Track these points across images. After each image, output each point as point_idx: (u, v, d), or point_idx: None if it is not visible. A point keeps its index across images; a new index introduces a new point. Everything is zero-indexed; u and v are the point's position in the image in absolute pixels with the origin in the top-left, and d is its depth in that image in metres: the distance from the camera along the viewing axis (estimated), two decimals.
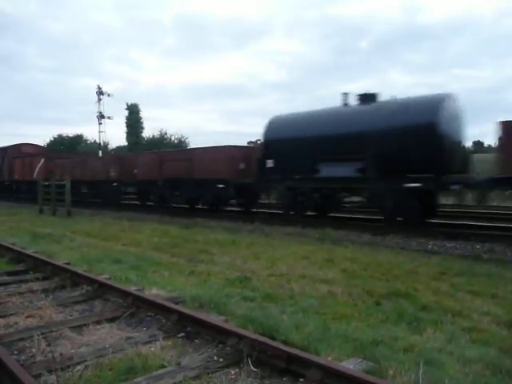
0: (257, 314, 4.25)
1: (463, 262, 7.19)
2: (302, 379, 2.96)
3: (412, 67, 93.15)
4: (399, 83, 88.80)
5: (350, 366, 3.02)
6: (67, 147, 48.22)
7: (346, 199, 13.66)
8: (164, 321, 4.18)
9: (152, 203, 19.34)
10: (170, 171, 17.30)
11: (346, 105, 13.15)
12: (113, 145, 50.12)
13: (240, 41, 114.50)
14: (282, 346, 3.22)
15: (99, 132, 40.21)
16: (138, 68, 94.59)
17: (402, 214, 11.19)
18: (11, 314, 4.46)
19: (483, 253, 8.23)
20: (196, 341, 3.73)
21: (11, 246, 8.19)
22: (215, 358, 3.33)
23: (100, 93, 39.43)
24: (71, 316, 4.50)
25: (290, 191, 13.51)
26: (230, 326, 3.74)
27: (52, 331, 3.92)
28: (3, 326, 4.13)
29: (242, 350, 3.27)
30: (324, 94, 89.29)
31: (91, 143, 49.96)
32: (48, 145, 51.25)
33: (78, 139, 52.38)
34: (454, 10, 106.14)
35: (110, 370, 3.06)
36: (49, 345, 3.61)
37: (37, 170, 25.21)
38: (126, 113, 45.31)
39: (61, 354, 3.35)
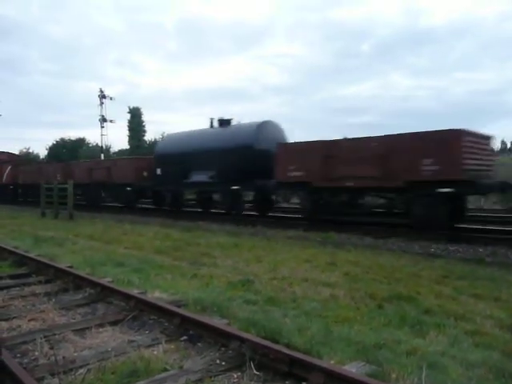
0: (259, 318, 4.25)
1: (466, 266, 7.18)
2: (304, 383, 2.96)
3: (414, 70, 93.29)
4: (401, 86, 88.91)
5: (353, 369, 3.02)
6: (69, 151, 48.28)
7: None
8: (166, 324, 4.18)
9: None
10: (97, 177, 21.90)
11: (211, 127, 17.47)
12: (115, 148, 50.17)
13: (242, 44, 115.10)
14: (285, 350, 3.22)
15: (101, 135, 40.40)
16: (140, 72, 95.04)
17: (234, 209, 15.51)
18: (14, 317, 4.46)
19: (486, 256, 8.21)
20: (198, 344, 3.73)
21: (14, 250, 8.21)
22: (218, 361, 3.33)
23: (102, 96, 39.61)
24: (74, 319, 4.50)
25: (172, 193, 17.83)
26: (233, 330, 3.74)
27: (55, 334, 3.92)
28: (6, 329, 4.13)
29: (245, 353, 3.27)
30: (326, 96, 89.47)
31: (93, 146, 50.04)
32: (50, 148, 51.36)
33: (80, 143, 52.42)
34: (456, 12, 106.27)
35: (112, 373, 3.07)
36: (51, 348, 3.61)
37: (5, 175, 29.61)
38: (128, 116, 45.44)
39: (63, 357, 3.35)
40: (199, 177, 16.08)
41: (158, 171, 18.06)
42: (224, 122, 16.77)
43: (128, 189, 19.64)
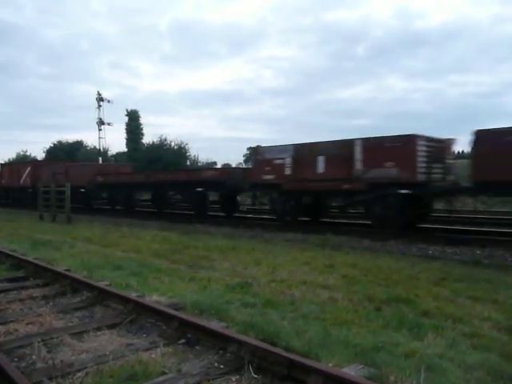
0: (257, 320, 4.25)
1: (463, 268, 7.19)
2: None
3: (409, 73, 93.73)
4: (397, 88, 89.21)
5: (351, 372, 3.01)
6: (67, 153, 48.18)
7: None
8: (164, 327, 4.16)
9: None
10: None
11: None
12: (113, 151, 50.07)
13: (237, 47, 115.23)
14: (284, 353, 3.21)
15: (99, 138, 40.37)
16: (137, 74, 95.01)
17: None
18: (11, 321, 4.44)
19: (483, 258, 8.23)
20: (197, 347, 3.72)
21: (11, 253, 8.18)
22: (216, 364, 3.32)
23: (100, 99, 39.59)
24: (71, 323, 4.49)
25: None
26: (231, 333, 3.73)
27: (52, 338, 3.91)
28: (3, 333, 4.12)
29: (243, 356, 3.27)
30: (322, 99, 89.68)
31: (91, 149, 49.95)
32: (48, 151, 51.28)
33: (78, 145, 52.31)
34: (451, 15, 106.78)
35: (110, 376, 3.06)
36: (49, 352, 3.61)
37: None
38: (126, 119, 45.42)
39: (61, 361, 3.34)
40: None
41: None
42: None
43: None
